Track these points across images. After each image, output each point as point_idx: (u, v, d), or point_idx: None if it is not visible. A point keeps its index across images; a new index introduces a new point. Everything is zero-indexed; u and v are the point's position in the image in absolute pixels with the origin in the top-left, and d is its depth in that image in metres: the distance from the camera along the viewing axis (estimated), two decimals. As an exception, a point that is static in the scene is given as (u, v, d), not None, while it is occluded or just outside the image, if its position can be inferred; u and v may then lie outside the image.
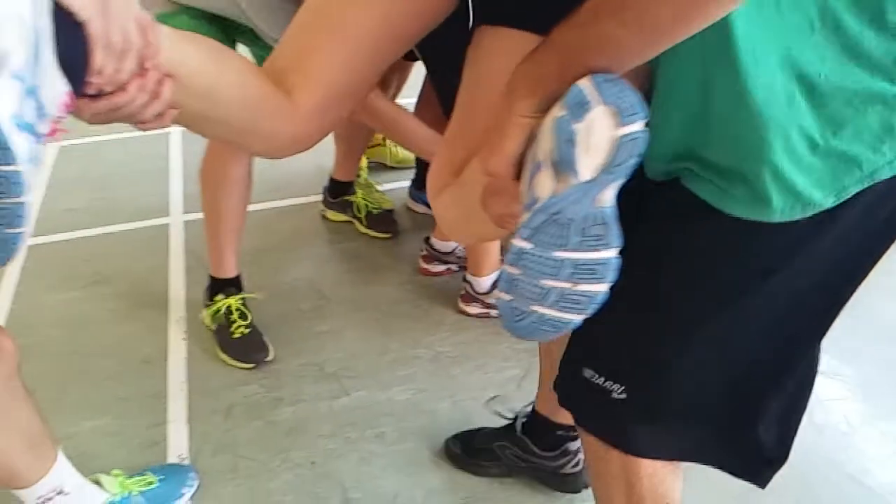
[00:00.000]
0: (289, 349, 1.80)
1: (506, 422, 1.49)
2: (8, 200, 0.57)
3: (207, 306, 1.83)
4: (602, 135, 0.60)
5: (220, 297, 1.80)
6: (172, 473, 1.43)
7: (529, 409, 1.44)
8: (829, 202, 0.70)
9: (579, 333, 0.88)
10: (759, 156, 0.69)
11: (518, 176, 0.71)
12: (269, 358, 1.76)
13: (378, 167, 2.53)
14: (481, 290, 1.89)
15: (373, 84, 1.04)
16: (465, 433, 1.54)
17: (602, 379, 0.91)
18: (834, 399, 1.65)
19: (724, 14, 0.59)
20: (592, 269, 0.64)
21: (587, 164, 0.61)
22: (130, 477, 1.37)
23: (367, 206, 2.24)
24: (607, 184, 0.62)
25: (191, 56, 0.77)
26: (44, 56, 0.59)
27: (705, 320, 0.83)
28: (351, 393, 1.69)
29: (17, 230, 0.59)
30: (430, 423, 1.60)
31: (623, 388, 0.89)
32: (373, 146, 2.49)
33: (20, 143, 0.57)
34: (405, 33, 0.98)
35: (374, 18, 0.94)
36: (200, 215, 2.26)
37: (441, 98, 1.50)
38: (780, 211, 0.71)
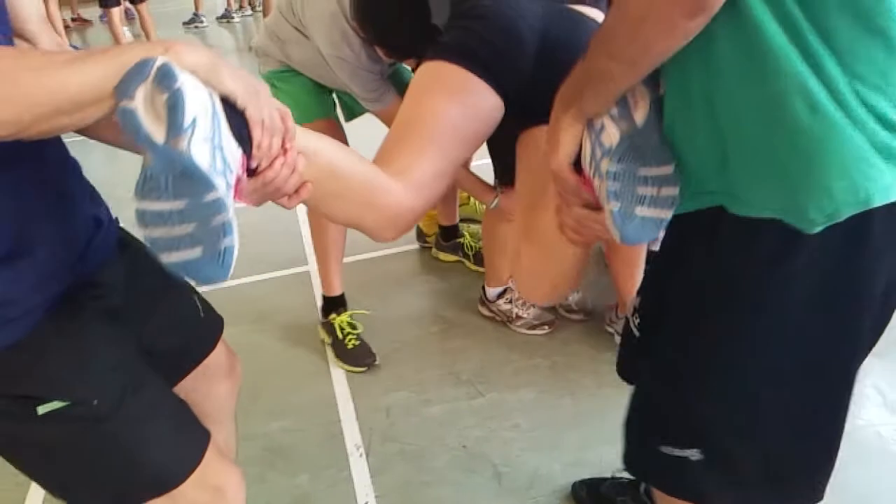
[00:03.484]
0: (427, 363, 2.15)
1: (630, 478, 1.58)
2: (218, 219, 0.72)
3: (323, 325, 2.22)
4: (642, 97, 0.86)
5: (332, 315, 2.20)
6: None
7: None
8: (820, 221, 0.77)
9: (647, 415, 1.05)
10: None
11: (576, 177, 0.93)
12: (376, 362, 2.13)
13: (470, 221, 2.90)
14: (490, 298, 2.30)
15: (458, 166, 1.27)
16: (593, 480, 1.67)
17: (679, 450, 0.98)
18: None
19: (675, 44, 0.73)
20: (667, 178, 0.85)
21: (638, 115, 0.85)
22: None
23: (473, 246, 2.62)
24: (652, 126, 0.86)
25: (314, 141, 0.95)
26: (222, 125, 0.76)
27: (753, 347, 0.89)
28: (485, 394, 2.01)
29: (229, 241, 0.73)
30: (557, 415, 1.91)
31: (699, 450, 0.96)
32: (462, 204, 2.84)
33: (219, 180, 0.72)
34: (478, 131, 1.23)
35: (455, 124, 1.17)
36: (335, 262, 2.66)
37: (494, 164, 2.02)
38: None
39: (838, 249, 0.79)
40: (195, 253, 0.72)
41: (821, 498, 1.00)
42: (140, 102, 0.69)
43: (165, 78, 0.70)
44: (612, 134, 0.86)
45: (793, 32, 0.71)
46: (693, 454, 0.97)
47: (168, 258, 0.73)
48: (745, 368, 0.91)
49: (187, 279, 0.75)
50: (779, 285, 0.83)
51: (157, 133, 0.70)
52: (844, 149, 0.73)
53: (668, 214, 0.86)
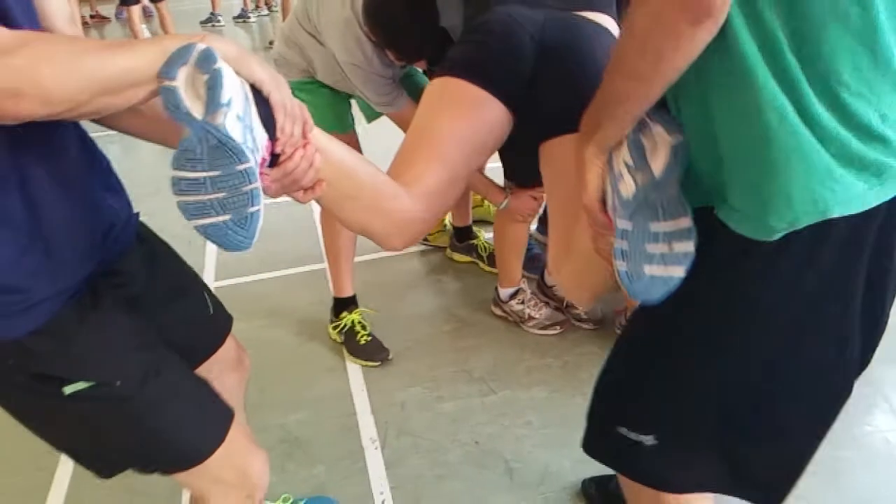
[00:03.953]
0: (440, 360, 2.19)
1: None
2: (247, 187, 0.78)
3: (334, 323, 2.26)
4: (662, 143, 0.84)
5: (344, 314, 2.24)
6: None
7: None
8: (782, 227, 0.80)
9: (607, 396, 1.08)
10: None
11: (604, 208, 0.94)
12: (389, 357, 2.18)
13: (483, 223, 2.94)
14: (503, 299, 2.35)
15: (467, 178, 1.31)
16: (602, 478, 1.70)
17: (635, 433, 1.02)
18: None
19: (688, 57, 0.74)
20: (681, 232, 0.83)
21: (656, 163, 0.84)
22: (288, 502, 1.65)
23: (487, 247, 2.66)
24: (672, 176, 0.84)
25: (329, 142, 0.99)
26: (251, 109, 0.82)
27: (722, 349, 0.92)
28: (497, 392, 2.05)
29: (256, 208, 0.79)
30: (568, 414, 1.94)
31: (654, 436, 1.01)
32: (475, 206, 2.88)
33: (249, 154, 0.78)
34: (486, 142, 1.28)
35: (463, 137, 1.21)
36: (350, 260, 2.70)
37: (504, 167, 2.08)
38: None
39: (803, 255, 0.83)
40: (224, 218, 0.78)
41: (780, 501, 1.02)
42: (182, 82, 0.77)
43: (206, 61, 0.77)
44: (628, 184, 0.86)
45: (767, 48, 0.74)
46: (648, 440, 1.01)
47: (198, 222, 0.78)
48: (714, 366, 0.94)
49: (213, 243, 0.81)
50: (748, 285, 0.87)
51: (196, 109, 0.77)
52: (807, 160, 0.76)
53: (679, 272, 0.84)
